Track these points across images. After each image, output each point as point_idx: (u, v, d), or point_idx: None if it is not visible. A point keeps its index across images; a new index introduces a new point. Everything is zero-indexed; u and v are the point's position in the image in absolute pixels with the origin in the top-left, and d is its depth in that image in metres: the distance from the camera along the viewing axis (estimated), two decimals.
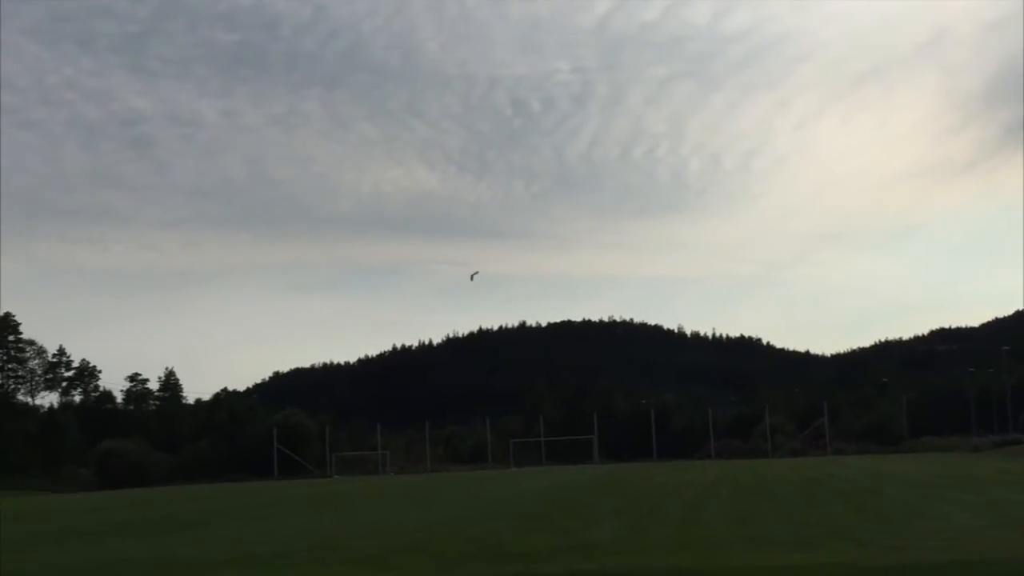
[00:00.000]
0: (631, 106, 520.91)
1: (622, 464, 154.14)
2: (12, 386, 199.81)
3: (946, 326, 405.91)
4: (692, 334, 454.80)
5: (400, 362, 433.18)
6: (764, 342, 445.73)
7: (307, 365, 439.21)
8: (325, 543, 36.37)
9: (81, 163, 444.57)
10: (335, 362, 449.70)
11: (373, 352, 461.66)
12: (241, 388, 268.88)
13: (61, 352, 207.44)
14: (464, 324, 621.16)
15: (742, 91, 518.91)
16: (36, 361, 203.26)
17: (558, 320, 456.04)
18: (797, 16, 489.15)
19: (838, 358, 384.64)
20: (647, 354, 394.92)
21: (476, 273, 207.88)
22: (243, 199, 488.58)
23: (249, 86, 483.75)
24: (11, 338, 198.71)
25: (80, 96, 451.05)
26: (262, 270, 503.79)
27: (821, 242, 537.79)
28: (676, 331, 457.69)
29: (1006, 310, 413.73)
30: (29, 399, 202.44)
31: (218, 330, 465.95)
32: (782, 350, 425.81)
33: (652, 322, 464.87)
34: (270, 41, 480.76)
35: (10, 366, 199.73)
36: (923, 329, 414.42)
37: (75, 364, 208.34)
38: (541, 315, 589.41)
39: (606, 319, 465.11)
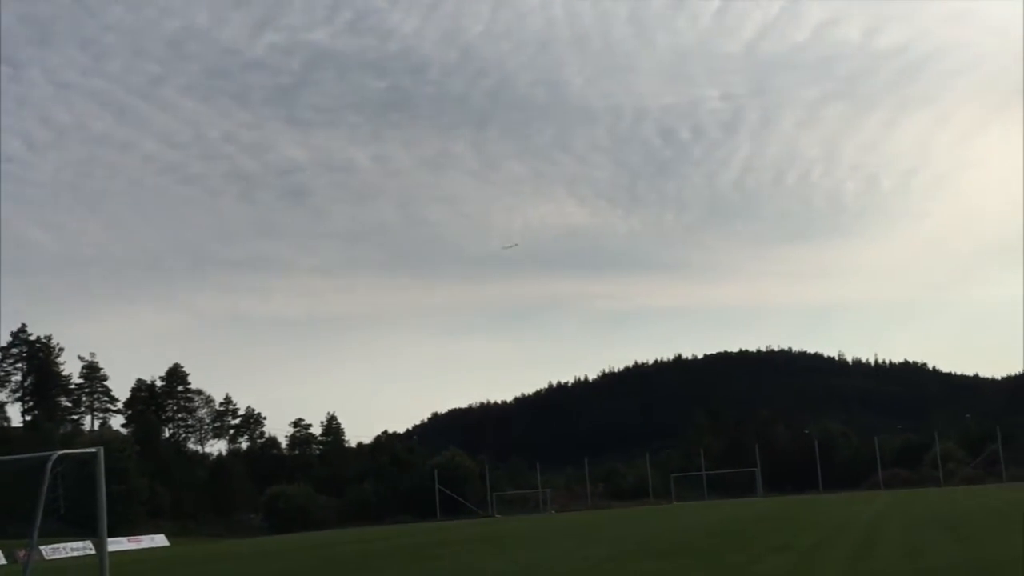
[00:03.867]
0: (783, 130, 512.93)
1: (786, 496, 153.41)
2: (183, 435, 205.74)
3: None
4: (854, 361, 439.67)
5: (557, 399, 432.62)
6: (930, 367, 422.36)
7: (464, 405, 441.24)
8: None
9: (241, 214, 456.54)
10: (492, 401, 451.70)
11: (529, 390, 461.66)
12: (401, 430, 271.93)
13: (228, 401, 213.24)
14: (619, 359, 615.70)
15: (898, 109, 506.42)
16: (204, 410, 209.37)
17: (714, 352, 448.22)
18: (952, 29, 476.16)
19: (1010, 380, 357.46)
20: (808, 383, 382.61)
21: (513, 245, 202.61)
22: (396, 242, 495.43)
23: (399, 131, 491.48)
24: (180, 388, 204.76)
25: (237, 149, 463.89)
26: (417, 312, 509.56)
27: (986, 259, 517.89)
28: (837, 358, 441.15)
29: None
30: (199, 447, 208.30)
31: (377, 373, 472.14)
32: (949, 374, 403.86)
33: (812, 350, 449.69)
34: (419, 85, 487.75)
35: (180, 416, 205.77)
36: None
37: (241, 412, 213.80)
38: (697, 347, 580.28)
39: (764, 349, 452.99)
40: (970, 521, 55.18)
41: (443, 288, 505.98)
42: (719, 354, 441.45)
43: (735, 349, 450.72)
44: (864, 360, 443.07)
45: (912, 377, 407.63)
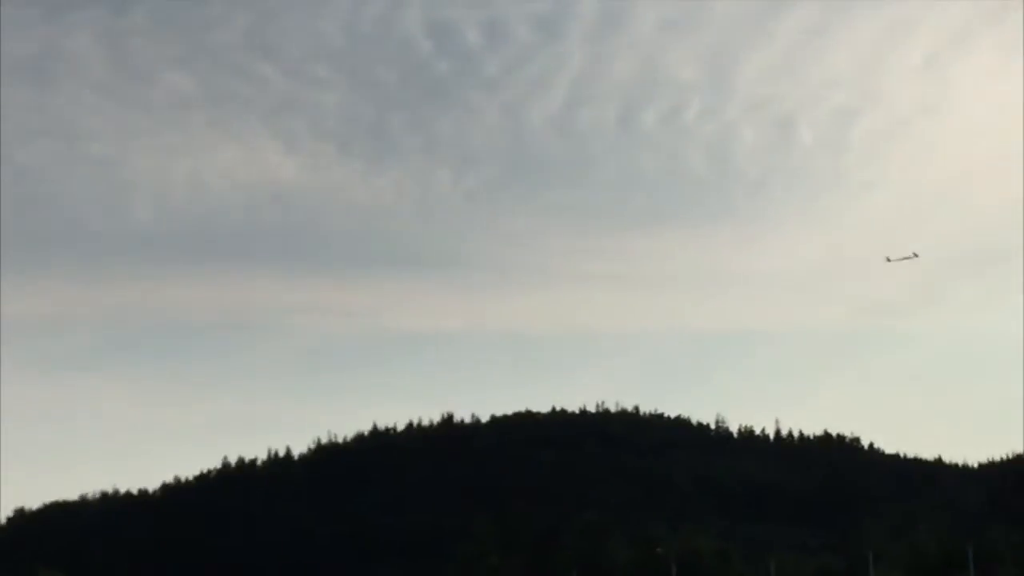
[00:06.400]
0: None
1: None
2: None
3: None
4: (741, 432, 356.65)
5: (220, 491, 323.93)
6: (864, 443, 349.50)
7: None
8: None
9: None
10: None
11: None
12: None
13: None
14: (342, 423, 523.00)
15: None
16: None
17: (510, 412, 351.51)
18: None
19: (990, 469, 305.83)
20: (662, 466, 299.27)
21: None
22: None
23: None
24: None
25: None
26: None
27: (954, 268, 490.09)
28: (714, 427, 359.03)
29: None
30: None
31: None
32: (895, 457, 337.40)
33: (668, 412, 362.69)
34: None
35: None
36: None
37: None
38: (478, 405, 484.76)
39: (589, 409, 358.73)
40: None
41: None
42: (517, 416, 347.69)
43: (544, 408, 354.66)
44: (759, 431, 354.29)
45: (836, 460, 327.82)
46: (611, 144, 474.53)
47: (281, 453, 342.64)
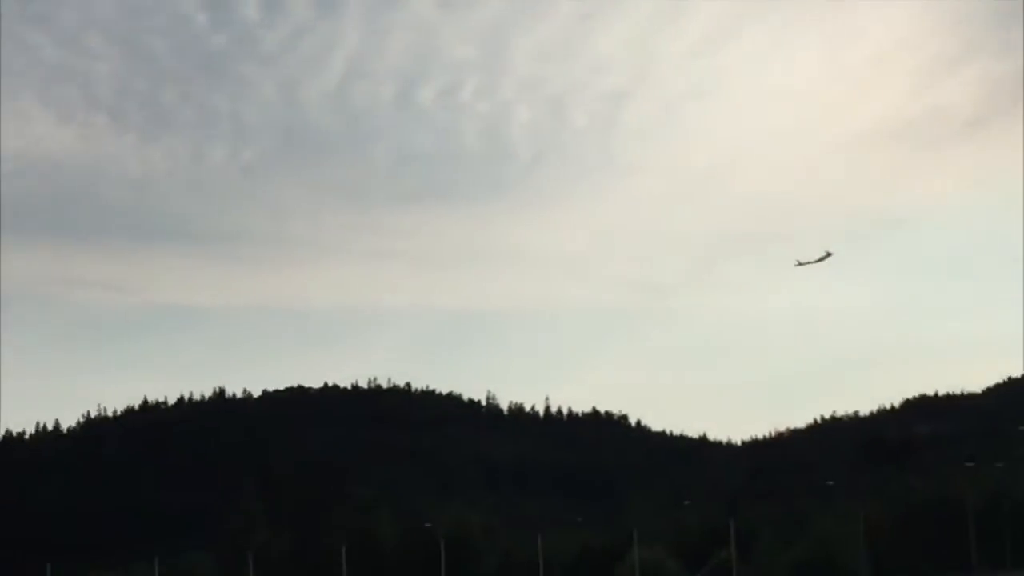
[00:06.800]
0: None
1: None
2: None
3: (929, 393, 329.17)
4: (511, 409, 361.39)
5: None
6: (632, 421, 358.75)
7: None
8: None
9: None
10: None
11: None
12: None
13: None
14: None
15: None
16: None
17: (271, 388, 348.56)
18: None
19: (753, 447, 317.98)
20: (433, 442, 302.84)
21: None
22: None
23: None
24: None
25: None
26: None
27: (724, 250, 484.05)
28: (485, 404, 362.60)
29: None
30: None
31: None
32: (662, 434, 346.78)
33: (440, 388, 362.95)
34: None
35: None
36: (893, 398, 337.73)
37: None
38: (251, 380, 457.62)
39: (360, 384, 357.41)
40: None
41: None
42: (289, 391, 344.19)
43: (316, 383, 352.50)
44: (528, 408, 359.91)
45: (602, 438, 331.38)
46: (387, 121, 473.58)
47: (50, 427, 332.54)
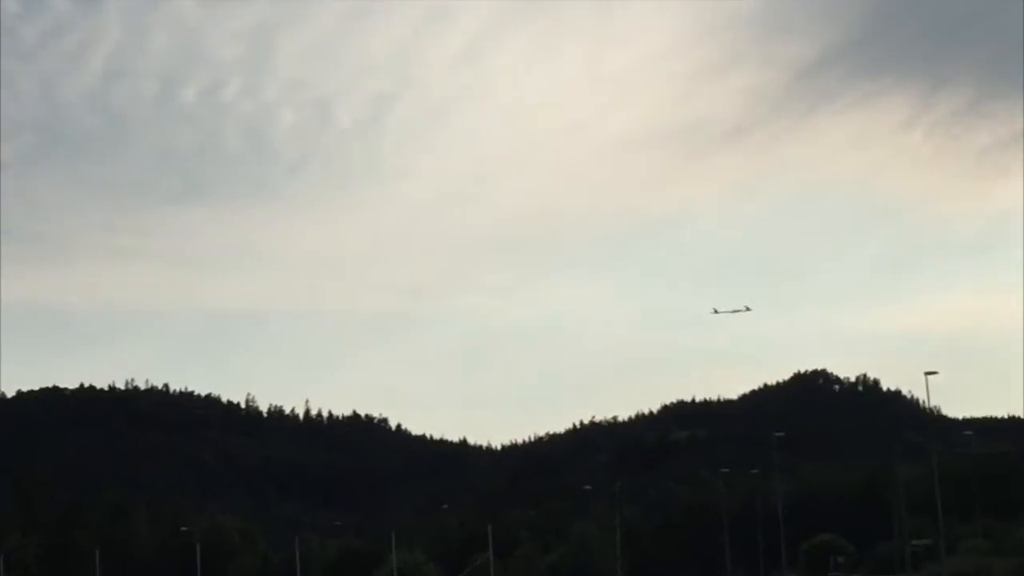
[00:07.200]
0: None
1: None
2: None
3: (687, 399, 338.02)
4: (271, 411, 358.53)
5: None
6: (392, 425, 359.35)
7: None
8: None
9: None
10: None
11: None
12: None
13: None
14: None
15: None
16: None
17: (32, 388, 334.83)
18: None
19: (512, 452, 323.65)
20: (191, 444, 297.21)
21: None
22: None
23: None
24: None
25: None
26: None
27: (487, 255, 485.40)
28: (244, 406, 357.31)
29: (780, 373, 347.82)
30: None
31: None
32: (422, 438, 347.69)
33: (199, 390, 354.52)
34: None
35: None
36: (651, 404, 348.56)
37: None
38: (2, 380, 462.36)
39: (117, 385, 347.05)
40: None
41: None
42: (44, 391, 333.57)
43: (72, 384, 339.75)
44: (288, 411, 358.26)
45: (363, 441, 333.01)
46: (148, 120, 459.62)
47: None
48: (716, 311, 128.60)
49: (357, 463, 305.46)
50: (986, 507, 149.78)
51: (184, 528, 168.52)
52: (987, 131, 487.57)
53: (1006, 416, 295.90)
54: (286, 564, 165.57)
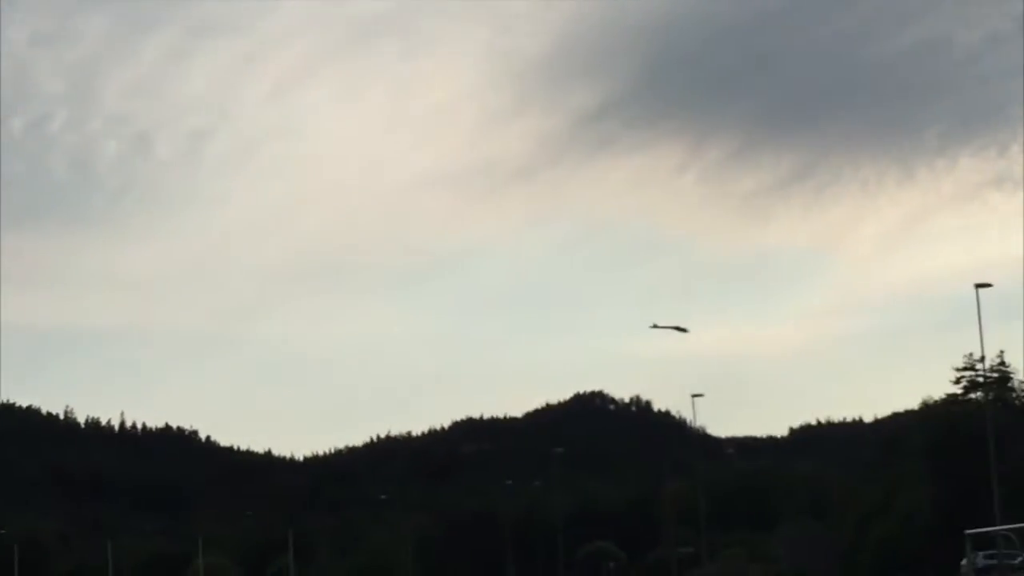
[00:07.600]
0: None
1: None
2: None
3: (475, 416, 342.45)
4: (88, 422, 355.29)
5: None
6: (202, 437, 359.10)
7: None
8: None
9: None
10: None
11: None
12: None
13: None
14: None
15: None
16: None
17: None
18: None
19: (313, 463, 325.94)
20: (8, 454, 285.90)
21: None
22: None
23: None
24: None
25: None
26: None
27: (296, 280, 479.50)
28: (63, 417, 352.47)
29: (561, 393, 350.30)
30: None
31: None
32: (229, 449, 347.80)
33: (20, 402, 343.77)
34: None
35: None
36: (443, 420, 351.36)
37: None
38: None
39: None
40: None
41: None
42: None
43: None
44: (104, 422, 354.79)
45: (173, 451, 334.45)
46: None
47: None
48: (656, 326, 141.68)
49: (168, 472, 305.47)
50: (745, 519, 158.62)
51: (1, 531, 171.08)
52: (752, 177, 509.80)
53: (765, 436, 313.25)
54: (99, 566, 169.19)
